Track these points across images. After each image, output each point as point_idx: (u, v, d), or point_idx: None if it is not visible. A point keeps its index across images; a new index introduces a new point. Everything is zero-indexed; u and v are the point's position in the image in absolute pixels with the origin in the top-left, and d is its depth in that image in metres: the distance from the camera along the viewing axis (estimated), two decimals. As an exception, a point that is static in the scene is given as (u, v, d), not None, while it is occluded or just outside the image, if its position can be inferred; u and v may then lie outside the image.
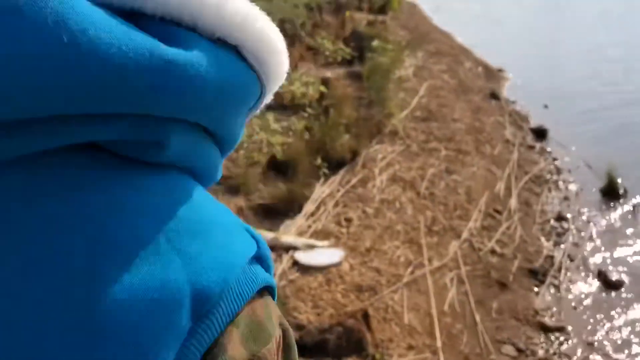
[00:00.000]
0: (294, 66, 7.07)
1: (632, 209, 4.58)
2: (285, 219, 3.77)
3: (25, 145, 0.27)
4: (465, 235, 3.84)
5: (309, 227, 3.70)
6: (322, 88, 5.74)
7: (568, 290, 3.49)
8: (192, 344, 0.28)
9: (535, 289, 3.46)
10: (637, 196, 4.75)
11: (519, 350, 2.88)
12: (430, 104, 6.68)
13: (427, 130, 5.73)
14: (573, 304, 3.36)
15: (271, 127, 4.66)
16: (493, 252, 3.76)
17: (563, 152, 5.89)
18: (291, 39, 7.27)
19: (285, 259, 3.29)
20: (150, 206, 0.30)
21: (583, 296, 3.45)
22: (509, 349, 2.88)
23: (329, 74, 7.04)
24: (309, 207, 3.94)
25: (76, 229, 0.27)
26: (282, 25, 7.07)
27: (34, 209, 0.27)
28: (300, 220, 3.78)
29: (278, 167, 4.30)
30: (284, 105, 5.72)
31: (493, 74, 9.50)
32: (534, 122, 6.86)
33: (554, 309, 3.30)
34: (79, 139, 0.28)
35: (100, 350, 0.26)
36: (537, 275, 3.57)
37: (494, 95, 7.87)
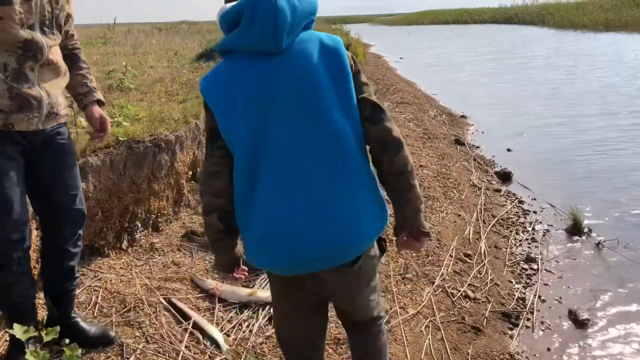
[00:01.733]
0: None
1: (596, 246, 4.72)
2: (261, 273, 3.78)
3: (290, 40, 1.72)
4: (438, 281, 3.90)
5: (284, 280, 3.71)
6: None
7: (541, 331, 3.55)
8: None
9: (510, 332, 3.51)
10: (600, 234, 4.91)
11: (497, 396, 2.91)
12: (398, 152, 6.83)
13: (396, 178, 5.84)
14: (547, 345, 3.41)
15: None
16: (466, 296, 3.81)
17: (528, 194, 6.08)
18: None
19: (262, 314, 3.28)
20: None
21: (555, 336, 3.50)
22: (487, 396, 2.91)
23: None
24: (283, 260, 3.95)
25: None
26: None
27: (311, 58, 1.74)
28: (275, 274, 3.79)
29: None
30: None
31: (456, 121, 9.82)
32: (498, 166, 7.07)
33: (529, 352, 3.34)
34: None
35: None
36: (511, 318, 3.62)
37: (459, 141, 8.12)
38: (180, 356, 2.81)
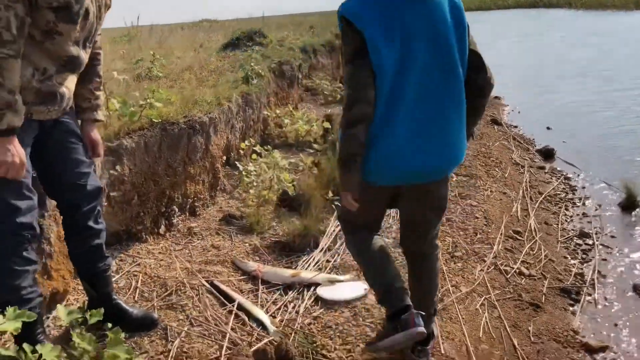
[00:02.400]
0: (294, 107, 7.05)
1: (655, 220, 4.46)
2: (302, 255, 3.64)
3: None
4: (489, 258, 3.69)
5: (328, 261, 3.56)
6: (326, 124, 5.70)
7: (605, 307, 3.33)
8: None
9: (571, 308, 3.30)
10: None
11: (566, 374, 2.71)
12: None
13: (435, 158, 5.64)
14: (613, 321, 3.19)
15: (279, 164, 4.55)
16: (520, 273, 3.61)
17: (573, 170, 5.81)
18: (290, 81, 7.28)
19: (307, 295, 3.13)
20: None
21: (621, 312, 3.28)
22: (554, 374, 2.71)
23: (329, 111, 7.02)
24: (325, 241, 3.81)
25: None
26: (280, 67, 7.11)
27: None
28: (317, 255, 3.64)
29: (290, 204, 4.19)
30: (289, 144, 5.66)
31: (490, 102, 9.51)
32: (539, 144, 6.80)
33: (594, 327, 3.13)
34: None
35: None
36: (570, 294, 3.41)
37: (495, 121, 7.86)
38: (227, 338, 2.68)
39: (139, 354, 2.55)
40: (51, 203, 2.79)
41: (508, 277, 3.52)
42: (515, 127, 7.82)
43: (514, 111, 8.88)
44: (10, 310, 2.00)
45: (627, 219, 4.57)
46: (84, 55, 2.26)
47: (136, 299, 3.01)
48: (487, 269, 3.57)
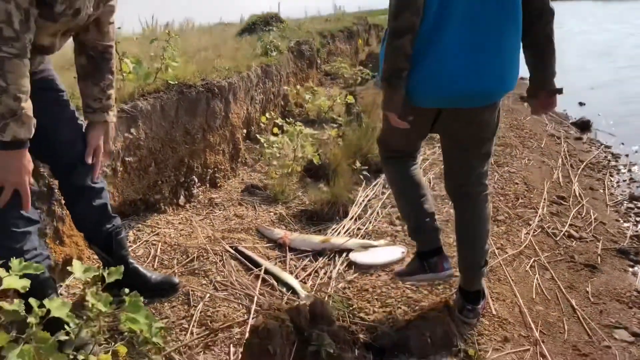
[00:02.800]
0: (316, 85, 6.80)
1: None
2: (331, 223, 3.38)
3: None
4: (535, 222, 3.40)
5: (359, 229, 3.31)
6: (350, 98, 5.44)
7: (669, 267, 3.02)
8: None
9: (631, 270, 2.99)
10: None
11: (635, 334, 2.40)
12: (461, 109, 6.33)
13: (465, 131, 5.35)
14: (679, 281, 2.88)
15: (303, 132, 4.26)
16: (570, 236, 3.31)
17: (613, 140, 5.47)
18: (309, 61, 7.04)
19: (339, 261, 2.88)
20: None
21: (688, 273, 2.97)
22: (623, 334, 2.40)
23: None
24: (354, 210, 3.55)
25: None
26: (299, 47, 6.87)
27: None
28: (347, 223, 3.38)
29: (316, 173, 3.94)
30: (310, 120, 5.41)
31: (518, 82, 9.16)
32: (573, 118, 6.47)
33: (660, 287, 2.82)
34: None
35: None
36: (629, 255, 3.10)
37: (524, 99, 7.50)
38: (255, 302, 2.43)
39: (158, 319, 2.32)
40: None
41: (557, 239, 3.23)
42: (546, 103, 7.48)
43: (542, 90, 8.53)
44: (15, 262, 1.78)
45: (681, 182, 4.24)
46: (59, 44, 2.01)
47: (155, 266, 2.79)
48: (534, 232, 3.28)
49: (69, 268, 2.04)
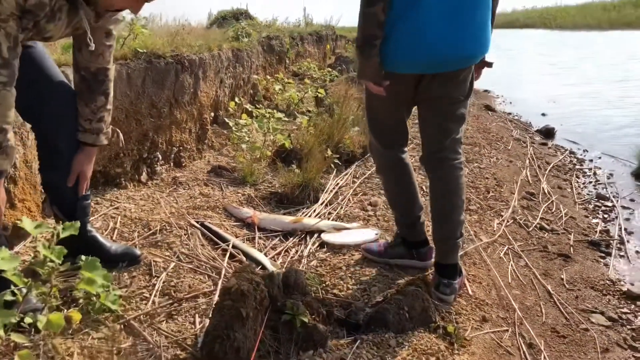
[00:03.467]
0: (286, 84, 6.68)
1: (673, 186, 4.21)
2: (301, 207, 3.26)
3: None
4: (507, 213, 3.37)
5: (330, 213, 3.19)
6: (321, 91, 5.35)
7: (639, 259, 3.02)
8: None
9: (602, 261, 2.98)
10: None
11: (612, 319, 2.37)
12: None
13: (434, 131, 5.34)
14: (650, 272, 2.88)
15: (273, 127, 4.14)
16: (542, 228, 3.29)
17: (577, 147, 5.56)
18: (279, 57, 6.94)
19: (311, 241, 2.75)
20: None
21: (656, 265, 2.98)
22: (599, 318, 2.36)
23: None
24: (325, 196, 3.44)
25: None
26: (269, 41, 6.75)
27: None
28: (318, 207, 3.27)
29: (286, 158, 3.82)
30: (280, 111, 5.28)
31: (480, 94, 9.34)
32: (536, 127, 6.57)
33: (631, 278, 2.81)
34: None
35: None
36: (600, 247, 3.10)
37: (489, 107, 7.62)
38: (222, 274, 2.28)
39: (117, 287, 2.14)
40: (17, 118, 2.38)
41: (529, 230, 3.20)
42: (509, 113, 7.60)
43: (505, 102, 8.67)
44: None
45: (643, 185, 4.31)
46: None
47: (114, 238, 2.59)
48: (506, 223, 3.24)
49: (18, 223, 1.85)
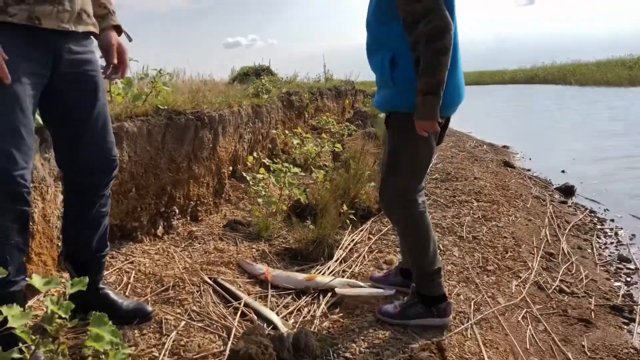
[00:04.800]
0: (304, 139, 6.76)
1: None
2: (315, 264, 3.24)
3: None
4: (525, 274, 3.30)
5: (344, 271, 3.16)
6: (338, 146, 5.40)
7: (663, 326, 2.92)
8: None
9: (626, 327, 2.88)
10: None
11: (635, 390, 2.27)
12: (447, 168, 6.34)
13: (451, 187, 5.33)
14: (675, 340, 2.77)
15: (289, 181, 4.17)
16: (561, 291, 3.20)
17: (597, 206, 5.48)
18: (298, 112, 7.05)
19: (324, 300, 2.71)
20: None
21: (682, 333, 2.87)
22: (622, 389, 2.27)
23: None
24: (340, 253, 3.41)
25: None
26: (289, 97, 6.89)
27: None
28: (332, 265, 3.24)
29: (301, 213, 3.82)
30: (297, 165, 5.33)
31: (499, 150, 9.33)
32: (556, 184, 6.51)
33: (656, 346, 2.71)
34: None
35: None
36: (623, 312, 3.00)
37: (508, 164, 7.60)
38: (233, 334, 2.24)
39: (127, 345, 2.11)
40: (35, 171, 2.44)
41: (549, 292, 3.12)
42: (528, 170, 7.55)
43: (524, 158, 8.64)
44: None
45: (667, 247, 4.20)
46: None
47: (127, 294, 2.59)
48: (524, 284, 3.17)
49: (28, 280, 1.86)
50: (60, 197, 2.56)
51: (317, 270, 3.15)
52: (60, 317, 1.73)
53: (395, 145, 2.38)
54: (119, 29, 2.16)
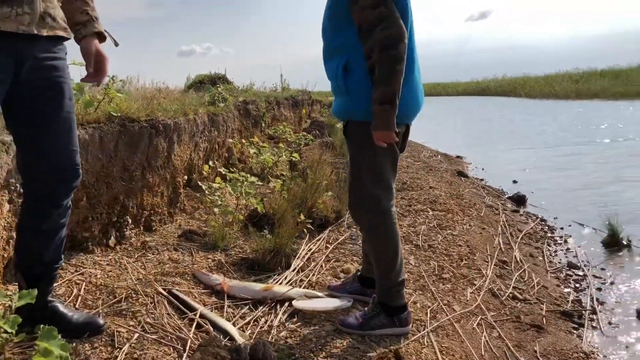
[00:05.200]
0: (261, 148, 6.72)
1: (641, 254, 4.27)
2: (272, 274, 3.20)
3: None
4: (480, 281, 3.35)
5: (302, 280, 3.14)
6: (295, 155, 5.39)
7: (612, 331, 3.02)
8: None
9: (575, 332, 2.96)
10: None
11: (585, 393, 2.33)
12: (402, 177, 6.42)
13: (407, 197, 5.39)
14: (622, 344, 2.86)
15: (246, 191, 4.12)
16: (514, 297, 3.27)
17: (548, 214, 5.64)
18: (255, 121, 7.01)
19: (281, 310, 2.69)
20: None
21: (629, 337, 2.97)
22: (573, 392, 2.33)
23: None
24: (297, 262, 3.39)
25: None
26: (245, 106, 6.84)
27: None
28: (290, 274, 3.21)
29: (258, 223, 3.78)
30: (254, 174, 5.29)
31: (453, 160, 9.51)
32: (509, 194, 6.67)
33: (604, 350, 2.79)
34: None
35: None
36: (572, 318, 3.09)
37: (462, 173, 7.75)
38: (188, 346, 2.19)
39: (77, 359, 2.04)
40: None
41: (502, 299, 3.18)
42: (482, 179, 7.73)
43: (477, 168, 8.84)
44: None
45: (613, 254, 4.36)
46: None
47: (77, 306, 2.50)
48: (479, 292, 3.22)
49: (-27, 292, 1.78)
50: (7, 205, 2.46)
51: (275, 280, 3.12)
52: (5, 332, 1.66)
53: (354, 154, 2.38)
54: (102, 36, 2.11)
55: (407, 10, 2.18)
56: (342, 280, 3.05)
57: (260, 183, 4.32)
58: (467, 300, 3.09)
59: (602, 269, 4.00)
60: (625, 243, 4.46)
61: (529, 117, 18.58)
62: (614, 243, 4.48)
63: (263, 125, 8.16)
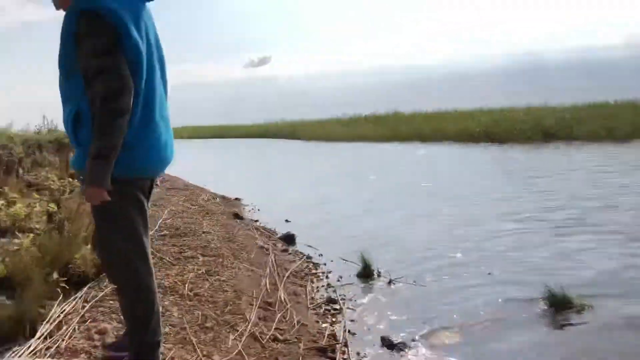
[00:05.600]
0: (12, 200, 6.04)
1: (388, 284, 4.79)
2: (12, 345, 2.86)
3: None
4: (242, 327, 3.41)
5: (48, 348, 2.85)
6: (52, 206, 4.94)
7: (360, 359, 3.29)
8: None
9: (329, 366, 3.17)
10: (388, 274, 4.97)
11: None
12: (176, 223, 6.32)
13: (179, 243, 5.31)
14: (368, 371, 3.15)
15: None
16: (275, 339, 3.39)
17: (313, 251, 6.02)
18: (7, 167, 6.29)
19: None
20: None
21: (376, 362, 3.28)
22: None
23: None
24: (46, 327, 3.08)
25: None
26: (-8, 151, 6.10)
27: None
28: (35, 343, 2.90)
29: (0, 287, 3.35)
30: (2, 230, 4.72)
31: (231, 202, 9.67)
32: (280, 233, 6.97)
33: (352, 380, 3.03)
34: None
35: None
36: (326, 353, 3.30)
37: (237, 215, 7.91)
38: None
39: None
40: None
41: (264, 342, 3.27)
42: (257, 220, 7.97)
43: (253, 209, 9.10)
44: None
45: (365, 284, 4.82)
46: None
47: None
48: (240, 338, 3.27)
49: None
50: None
51: (14, 351, 2.78)
52: None
53: (92, 208, 2.26)
54: None
55: (140, 60, 2.08)
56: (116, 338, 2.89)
57: (4, 240, 3.86)
58: (229, 347, 3.11)
59: (356, 300, 4.39)
60: (376, 275, 4.96)
61: (304, 158, 19.78)
62: (367, 274, 4.95)
63: (20, 171, 7.37)
